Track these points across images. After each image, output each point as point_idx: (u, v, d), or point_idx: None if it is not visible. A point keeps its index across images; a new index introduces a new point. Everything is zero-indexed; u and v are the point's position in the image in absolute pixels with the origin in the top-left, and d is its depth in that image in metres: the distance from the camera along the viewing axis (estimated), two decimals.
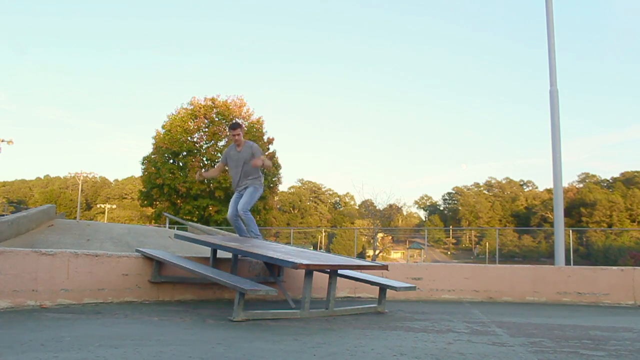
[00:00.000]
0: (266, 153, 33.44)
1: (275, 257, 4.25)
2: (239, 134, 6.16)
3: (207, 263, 5.12)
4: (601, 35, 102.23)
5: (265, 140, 33.64)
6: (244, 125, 6.88)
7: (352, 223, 65.53)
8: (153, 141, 32.36)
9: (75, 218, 49.08)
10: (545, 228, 52.72)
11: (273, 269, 5.42)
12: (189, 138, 32.02)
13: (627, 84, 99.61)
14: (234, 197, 6.26)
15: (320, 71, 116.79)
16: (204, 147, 32.30)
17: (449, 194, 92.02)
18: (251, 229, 6.04)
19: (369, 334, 3.43)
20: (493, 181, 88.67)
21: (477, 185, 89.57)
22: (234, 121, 6.66)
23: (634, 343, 3.28)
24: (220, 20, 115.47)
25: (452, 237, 71.75)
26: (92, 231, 8.84)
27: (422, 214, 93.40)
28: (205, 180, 31.81)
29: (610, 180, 74.16)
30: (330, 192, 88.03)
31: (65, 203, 76.50)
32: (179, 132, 31.44)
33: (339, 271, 4.73)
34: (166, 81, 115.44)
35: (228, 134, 6.22)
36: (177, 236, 6.19)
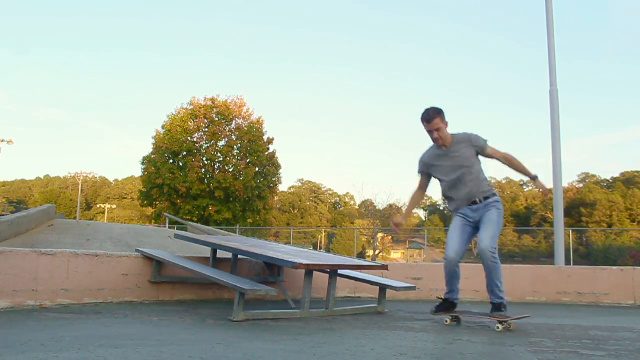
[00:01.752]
0: (266, 153, 33.48)
1: (275, 257, 4.25)
2: (438, 129, 3.88)
3: (207, 263, 5.12)
4: (601, 35, 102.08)
5: (265, 140, 33.69)
6: (440, 113, 3.88)
7: (352, 223, 65.53)
8: (153, 141, 32.46)
9: (75, 218, 49.10)
10: (545, 228, 52.66)
11: (273, 269, 5.42)
12: (189, 138, 32.11)
13: (627, 84, 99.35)
14: (455, 224, 4.02)
15: (321, 71, 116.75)
16: (204, 147, 32.37)
17: None
18: (496, 281, 3.83)
19: (369, 334, 3.43)
20: (493, 181, 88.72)
21: None
22: (426, 110, 3.87)
23: (634, 343, 3.28)
24: (220, 20, 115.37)
25: None
26: (92, 231, 8.85)
27: (422, 214, 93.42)
28: (205, 180, 31.84)
29: (610, 180, 74.13)
30: (330, 192, 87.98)
31: (65, 203, 76.51)
32: (179, 132, 31.51)
33: (339, 271, 4.73)
34: (166, 81, 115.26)
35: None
36: (177, 236, 6.19)
